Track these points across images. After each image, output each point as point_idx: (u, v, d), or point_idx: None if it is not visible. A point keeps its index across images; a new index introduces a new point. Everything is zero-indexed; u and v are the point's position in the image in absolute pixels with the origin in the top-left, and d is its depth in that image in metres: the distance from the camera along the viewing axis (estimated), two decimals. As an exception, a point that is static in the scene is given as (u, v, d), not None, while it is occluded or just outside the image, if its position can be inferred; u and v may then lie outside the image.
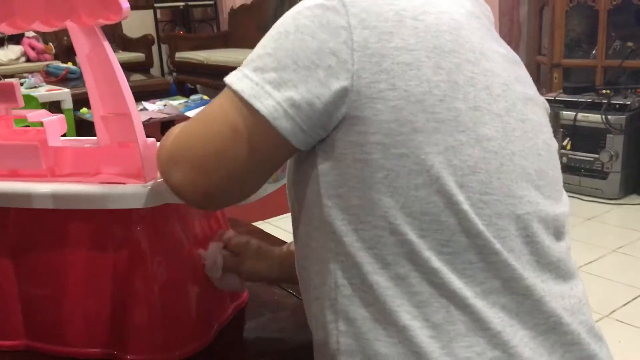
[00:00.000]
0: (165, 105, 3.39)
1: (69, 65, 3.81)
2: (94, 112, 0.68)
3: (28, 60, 4.45)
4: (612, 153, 2.57)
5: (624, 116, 2.52)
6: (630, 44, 2.84)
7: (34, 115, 0.71)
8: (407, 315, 0.53)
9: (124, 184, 0.69)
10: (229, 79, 0.56)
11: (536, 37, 3.37)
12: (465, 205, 0.53)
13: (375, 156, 0.53)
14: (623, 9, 2.83)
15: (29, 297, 0.78)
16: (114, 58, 0.65)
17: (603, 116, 2.54)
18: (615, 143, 2.56)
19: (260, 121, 0.54)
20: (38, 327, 0.79)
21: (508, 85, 0.58)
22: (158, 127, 3.72)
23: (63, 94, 3.10)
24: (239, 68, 0.56)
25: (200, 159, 0.57)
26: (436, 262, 0.53)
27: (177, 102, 3.33)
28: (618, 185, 2.61)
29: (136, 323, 0.75)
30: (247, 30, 5.11)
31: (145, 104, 3.41)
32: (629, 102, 2.56)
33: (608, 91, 2.63)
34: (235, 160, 0.56)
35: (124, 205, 0.69)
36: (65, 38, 4.65)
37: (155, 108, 3.34)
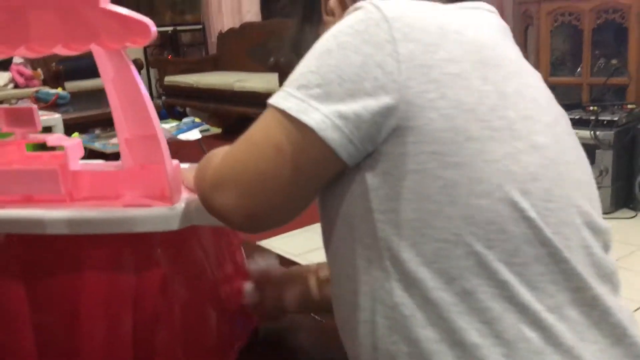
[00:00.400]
0: (157, 129, 3.38)
1: (59, 90, 3.80)
2: (119, 135, 0.68)
3: (16, 86, 4.44)
4: (602, 168, 2.61)
5: (612, 132, 2.57)
6: (614, 61, 2.90)
7: (53, 139, 0.71)
8: (475, 333, 0.51)
9: (150, 206, 0.69)
10: (273, 100, 0.56)
11: (522, 56, 3.43)
12: (532, 213, 0.52)
13: (431, 166, 0.52)
14: (606, 27, 2.90)
15: (42, 326, 0.76)
16: (140, 81, 0.66)
17: (592, 132, 2.58)
18: (605, 158, 2.60)
19: (308, 135, 0.54)
20: (53, 357, 0.77)
21: (549, 99, 0.59)
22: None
23: (54, 119, 3.09)
24: (281, 89, 0.56)
25: (246, 182, 0.56)
26: (505, 274, 0.51)
27: (169, 125, 3.33)
28: (609, 200, 2.64)
29: (158, 347, 0.74)
30: (236, 53, 5.15)
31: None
32: (616, 118, 2.61)
33: (595, 108, 2.68)
34: (281, 181, 0.55)
35: (153, 228, 0.69)
36: (53, 64, 4.64)
37: (147, 132, 3.34)
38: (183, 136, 3.09)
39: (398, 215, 0.53)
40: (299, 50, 0.63)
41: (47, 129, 3.09)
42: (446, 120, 0.52)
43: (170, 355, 0.74)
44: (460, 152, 0.52)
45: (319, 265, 0.83)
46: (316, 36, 0.67)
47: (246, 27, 5.14)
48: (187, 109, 5.22)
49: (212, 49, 5.69)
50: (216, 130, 3.43)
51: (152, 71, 5.69)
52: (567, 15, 2.99)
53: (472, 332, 0.51)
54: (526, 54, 3.43)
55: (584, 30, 2.92)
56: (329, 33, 0.57)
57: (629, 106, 2.71)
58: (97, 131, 3.40)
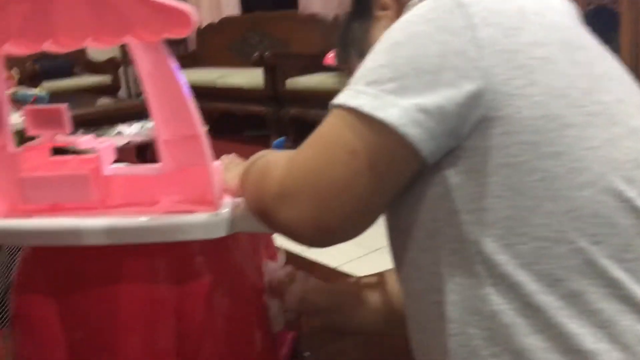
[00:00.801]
0: (142, 127, 3.30)
1: (37, 91, 3.68)
2: (157, 135, 0.62)
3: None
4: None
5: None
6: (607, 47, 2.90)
7: (84, 141, 0.64)
8: (590, 339, 0.47)
9: (192, 212, 0.63)
10: (339, 99, 0.51)
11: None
12: (639, 202, 0.48)
13: (525, 157, 0.48)
14: (598, 13, 2.89)
15: (77, 343, 0.71)
16: (181, 76, 0.60)
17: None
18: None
19: (385, 133, 0.49)
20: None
21: (631, 81, 0.56)
22: (133, 152, 3.62)
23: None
24: (348, 87, 0.51)
25: (319, 192, 0.51)
26: (616, 271, 0.47)
27: (152, 125, 3.24)
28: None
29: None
30: (216, 49, 5.05)
31: (121, 127, 3.31)
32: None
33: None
34: (358, 189, 0.50)
35: (197, 236, 0.63)
36: (28, 63, 4.50)
37: (132, 131, 3.25)
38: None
39: (489, 215, 0.49)
40: (348, 48, 0.58)
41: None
42: (538, 107, 0.48)
43: None
44: (557, 141, 0.48)
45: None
46: (366, 32, 0.62)
47: (225, 22, 5.04)
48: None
49: (192, 45, 5.58)
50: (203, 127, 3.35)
51: (130, 69, 5.56)
52: None
53: (587, 337, 0.47)
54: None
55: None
56: (395, 25, 0.53)
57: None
58: (81, 131, 3.29)
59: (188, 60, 5.36)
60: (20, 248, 0.95)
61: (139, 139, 3.12)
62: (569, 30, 0.53)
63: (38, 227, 0.65)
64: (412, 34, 0.51)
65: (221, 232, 0.63)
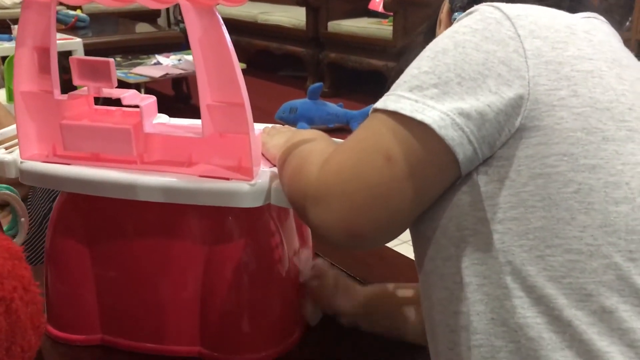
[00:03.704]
0: (180, 60, 3.28)
1: (78, 12, 3.66)
2: (201, 99, 0.61)
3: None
4: None
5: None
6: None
7: (128, 97, 0.64)
8: (619, 357, 0.46)
9: (229, 179, 0.63)
10: (380, 103, 0.51)
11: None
12: None
13: (561, 169, 0.47)
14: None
15: (106, 288, 0.73)
16: (231, 44, 0.59)
17: None
18: None
19: (423, 135, 0.48)
20: (116, 321, 0.74)
21: None
22: (169, 83, 3.62)
23: (75, 43, 2.97)
24: (389, 93, 0.51)
25: (353, 196, 0.50)
26: None
27: (191, 58, 3.21)
28: None
29: (225, 320, 0.70)
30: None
31: (159, 58, 3.30)
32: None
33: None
34: (392, 194, 0.50)
35: (231, 203, 0.63)
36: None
37: (170, 63, 3.23)
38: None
39: (521, 225, 0.48)
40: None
41: (68, 53, 2.99)
42: (579, 119, 0.48)
43: (236, 330, 0.71)
44: (596, 154, 0.48)
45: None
46: None
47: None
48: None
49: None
50: (241, 65, 3.32)
51: (171, -4, 5.48)
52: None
53: (616, 356, 0.46)
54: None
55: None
56: (443, 35, 0.52)
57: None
58: (118, 58, 3.29)
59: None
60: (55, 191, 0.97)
61: (176, 71, 3.10)
62: (616, 51, 0.53)
63: (78, 175, 0.66)
64: (457, 42, 0.51)
65: (255, 202, 0.63)
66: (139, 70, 3.08)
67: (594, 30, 0.53)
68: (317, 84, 3.08)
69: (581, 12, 0.58)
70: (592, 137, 0.48)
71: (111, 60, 0.63)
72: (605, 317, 0.46)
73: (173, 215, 0.68)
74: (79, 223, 0.72)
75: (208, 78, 0.60)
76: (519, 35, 0.50)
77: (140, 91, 2.93)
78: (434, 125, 0.48)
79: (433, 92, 0.49)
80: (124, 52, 3.40)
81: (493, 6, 0.52)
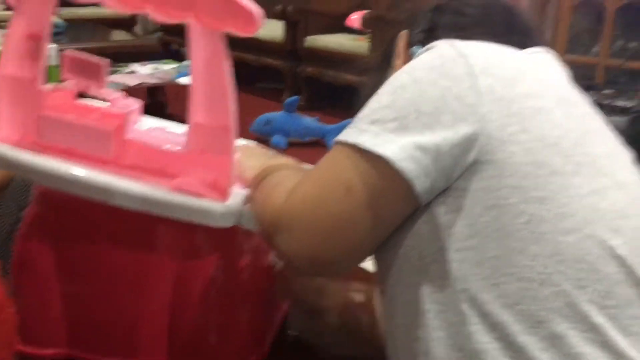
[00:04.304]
0: (156, 69, 3.26)
1: (54, 18, 3.62)
2: (191, 116, 0.62)
3: (8, 8, 4.23)
4: (610, 154, 2.58)
5: (627, 118, 2.52)
6: (634, 44, 2.84)
7: (115, 99, 0.65)
8: None
9: (202, 196, 0.64)
10: (342, 136, 0.53)
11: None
12: (622, 251, 0.50)
13: (513, 200, 0.50)
14: (630, 8, 2.82)
15: (73, 301, 0.72)
16: (230, 71, 0.60)
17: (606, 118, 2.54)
18: (614, 144, 2.57)
19: (383, 168, 0.51)
20: (83, 335, 0.73)
21: (620, 143, 0.59)
22: (144, 93, 3.58)
23: (50, 49, 2.93)
24: (351, 125, 0.54)
25: (314, 226, 0.52)
26: (598, 316, 0.48)
27: (169, 67, 3.20)
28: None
29: (194, 336, 0.71)
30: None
31: (135, 67, 3.28)
32: (630, 104, 2.56)
33: (611, 92, 2.62)
34: (352, 224, 0.52)
35: (204, 221, 0.64)
36: (47, -12, 4.42)
37: (146, 72, 3.21)
38: (184, 80, 2.98)
39: (477, 254, 0.50)
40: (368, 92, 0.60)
41: (42, 60, 2.94)
42: (528, 153, 0.51)
43: (204, 339, 0.71)
44: (545, 187, 0.50)
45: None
46: (384, 79, 0.64)
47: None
48: (185, 49, 5.05)
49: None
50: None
51: (149, 4, 5.46)
52: (592, -8, 2.90)
53: None
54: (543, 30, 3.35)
55: (607, 8, 2.84)
56: (402, 70, 0.55)
57: (645, 93, 2.67)
58: (94, 66, 3.26)
59: None
60: (26, 196, 0.95)
61: (152, 80, 3.09)
62: (564, 88, 0.57)
63: (48, 167, 0.65)
64: (416, 78, 0.53)
65: (227, 223, 0.64)
66: (114, 78, 3.05)
67: (542, 68, 0.57)
68: (293, 98, 3.09)
69: (531, 46, 0.61)
70: (541, 170, 0.50)
71: (104, 62, 0.64)
72: (556, 343, 0.48)
73: (144, 228, 0.68)
74: (47, 234, 0.72)
75: (202, 97, 0.62)
76: (472, 73, 0.52)
77: (114, 99, 2.92)
78: (393, 159, 0.50)
79: (392, 125, 0.51)
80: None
81: (449, 43, 0.55)
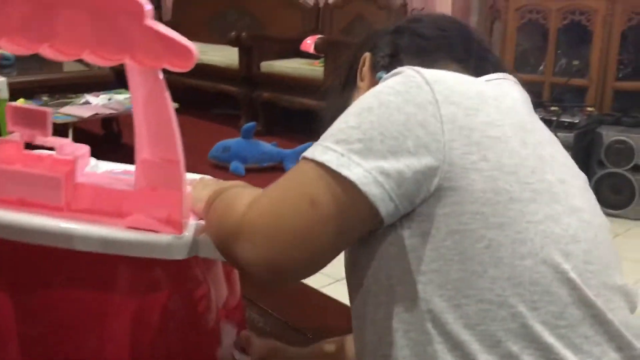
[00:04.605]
0: (110, 99, 3.23)
1: (2, 51, 3.55)
2: (138, 153, 0.63)
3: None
4: (560, 168, 2.66)
5: (572, 134, 2.62)
6: (576, 62, 2.96)
7: (63, 145, 0.65)
8: None
9: (157, 231, 0.64)
10: (309, 153, 0.54)
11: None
12: (573, 274, 0.52)
13: (474, 226, 0.52)
14: (571, 28, 2.95)
15: (30, 344, 0.71)
16: (171, 105, 0.61)
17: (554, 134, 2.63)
18: (563, 159, 2.66)
19: (348, 190, 0.52)
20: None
21: (574, 165, 0.61)
22: (99, 123, 3.54)
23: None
24: (317, 143, 0.55)
25: (275, 235, 0.53)
26: (549, 337, 0.51)
27: (123, 97, 3.18)
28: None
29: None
30: (192, 22, 4.96)
31: (88, 97, 3.24)
32: (576, 120, 2.67)
33: (557, 109, 2.72)
34: (313, 236, 0.53)
35: (157, 255, 0.64)
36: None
37: (99, 102, 3.18)
38: (139, 110, 2.95)
39: (441, 276, 0.52)
40: (333, 114, 0.61)
41: (-10, 93, 2.88)
42: (488, 181, 0.53)
43: None
44: (503, 213, 0.52)
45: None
46: (348, 100, 0.66)
47: (204, -5, 4.95)
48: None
49: (167, 15, 5.48)
50: (174, 105, 3.30)
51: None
52: (535, 13, 3.02)
53: None
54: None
55: (550, 29, 2.96)
56: (368, 93, 0.57)
57: (589, 109, 2.78)
58: (45, 98, 3.21)
59: (162, 30, 5.25)
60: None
61: (106, 111, 3.06)
62: (522, 116, 0.58)
63: (2, 218, 0.65)
64: (382, 102, 0.54)
65: (182, 255, 0.64)
66: (67, 110, 3.01)
67: (501, 97, 0.58)
68: (250, 123, 3.10)
69: (489, 71, 0.64)
70: (500, 197, 0.52)
71: (49, 110, 0.64)
72: None
73: (100, 267, 0.68)
74: (1, 277, 0.70)
75: (147, 134, 0.62)
76: (436, 100, 0.54)
77: (68, 131, 2.87)
78: (358, 182, 0.52)
79: (358, 147, 0.53)
80: (51, 91, 3.32)
81: (415, 70, 0.57)
